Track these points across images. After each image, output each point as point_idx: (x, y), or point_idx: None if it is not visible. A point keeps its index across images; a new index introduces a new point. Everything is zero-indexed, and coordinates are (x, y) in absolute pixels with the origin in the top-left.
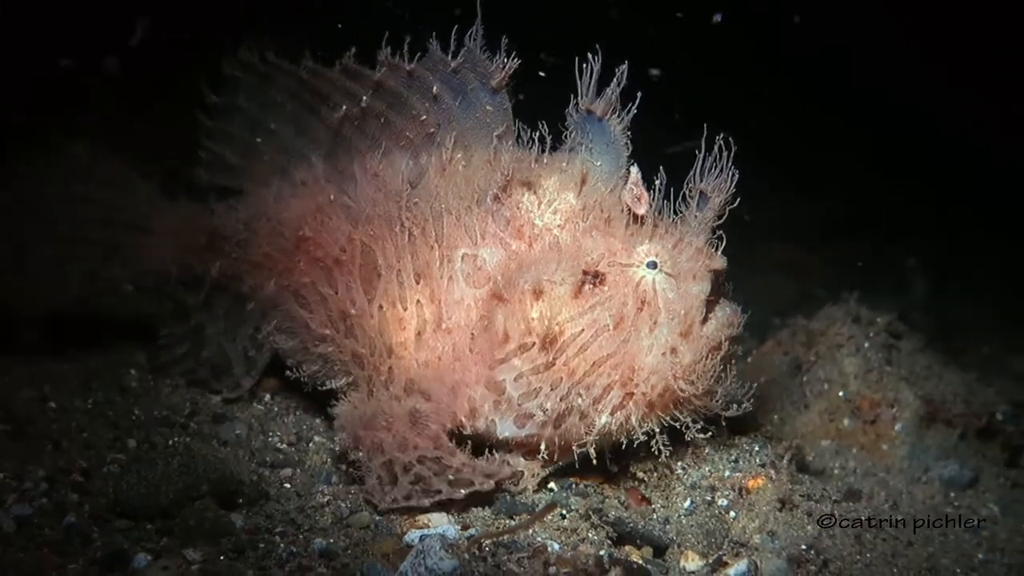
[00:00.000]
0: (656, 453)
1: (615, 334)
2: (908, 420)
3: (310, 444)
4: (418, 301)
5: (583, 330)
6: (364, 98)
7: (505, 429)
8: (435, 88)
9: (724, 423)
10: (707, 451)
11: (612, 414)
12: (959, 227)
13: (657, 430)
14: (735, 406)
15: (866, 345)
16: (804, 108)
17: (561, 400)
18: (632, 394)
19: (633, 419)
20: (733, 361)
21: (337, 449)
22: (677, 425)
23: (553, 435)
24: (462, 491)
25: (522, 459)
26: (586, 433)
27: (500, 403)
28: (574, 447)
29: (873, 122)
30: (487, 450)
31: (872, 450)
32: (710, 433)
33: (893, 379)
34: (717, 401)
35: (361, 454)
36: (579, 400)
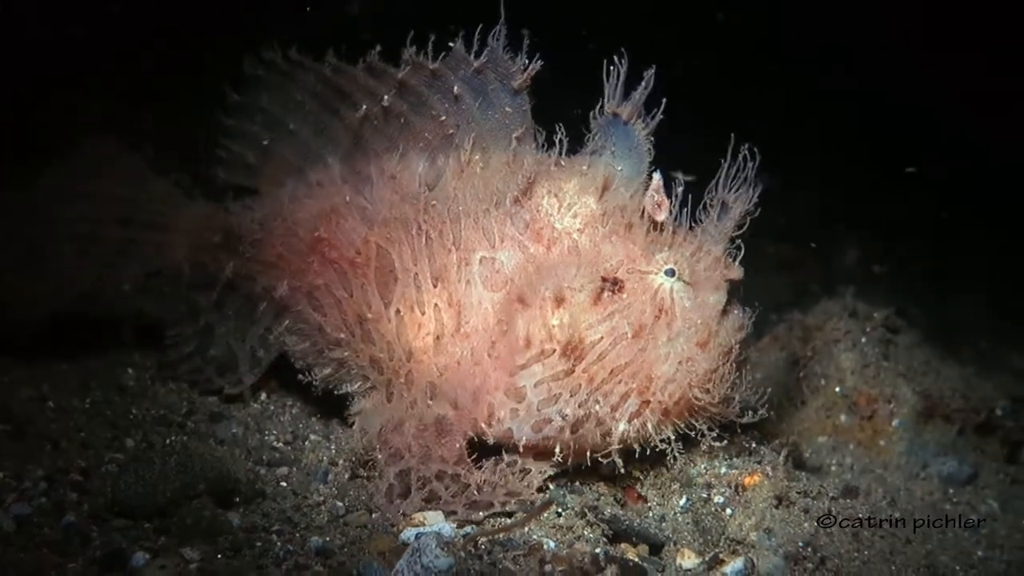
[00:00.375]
0: (672, 460)
1: (633, 343)
2: (906, 416)
3: (306, 443)
4: (436, 305)
5: (602, 338)
6: (386, 97)
7: (523, 435)
8: (456, 88)
9: (740, 430)
10: (703, 448)
11: (629, 421)
12: (958, 225)
13: (672, 437)
14: (750, 413)
15: (863, 340)
16: (803, 106)
17: (580, 406)
18: (648, 402)
19: (649, 426)
20: (748, 366)
21: (361, 446)
22: (692, 433)
23: (569, 439)
24: (481, 514)
25: (531, 458)
26: (604, 439)
27: (519, 409)
28: (587, 451)
29: (872, 120)
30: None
31: (869, 446)
32: (725, 441)
33: (890, 374)
34: (734, 408)
35: (380, 457)
36: (597, 407)
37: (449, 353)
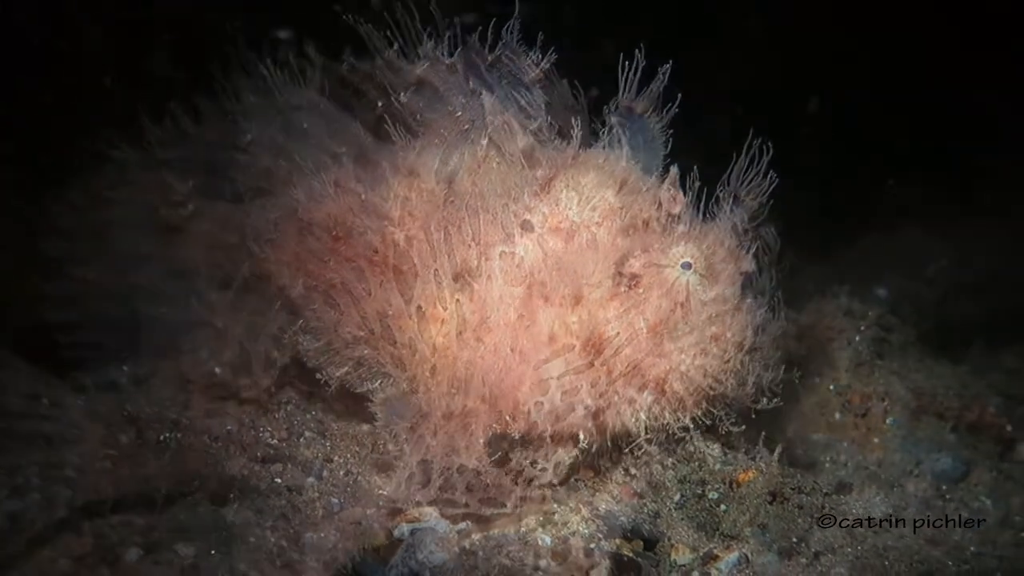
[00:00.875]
0: (691, 447)
1: (649, 336)
2: (899, 413)
3: (301, 439)
4: (458, 300)
5: (619, 333)
6: (403, 94)
7: (547, 426)
8: (472, 83)
9: (755, 416)
10: (698, 445)
11: (648, 411)
12: (955, 222)
13: (691, 426)
14: (765, 399)
15: (857, 339)
16: (800, 104)
17: (600, 397)
18: (665, 392)
19: (667, 415)
20: (762, 352)
21: (378, 426)
22: (709, 422)
23: (592, 427)
24: (491, 511)
25: (557, 445)
26: (624, 427)
27: (543, 402)
28: (609, 437)
29: (868, 117)
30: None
31: (863, 443)
32: (743, 427)
33: (884, 372)
34: (749, 392)
35: (407, 445)
36: (616, 398)
37: (473, 348)
